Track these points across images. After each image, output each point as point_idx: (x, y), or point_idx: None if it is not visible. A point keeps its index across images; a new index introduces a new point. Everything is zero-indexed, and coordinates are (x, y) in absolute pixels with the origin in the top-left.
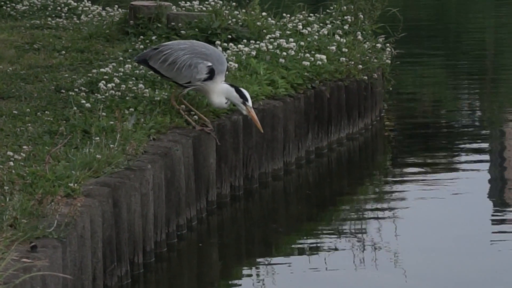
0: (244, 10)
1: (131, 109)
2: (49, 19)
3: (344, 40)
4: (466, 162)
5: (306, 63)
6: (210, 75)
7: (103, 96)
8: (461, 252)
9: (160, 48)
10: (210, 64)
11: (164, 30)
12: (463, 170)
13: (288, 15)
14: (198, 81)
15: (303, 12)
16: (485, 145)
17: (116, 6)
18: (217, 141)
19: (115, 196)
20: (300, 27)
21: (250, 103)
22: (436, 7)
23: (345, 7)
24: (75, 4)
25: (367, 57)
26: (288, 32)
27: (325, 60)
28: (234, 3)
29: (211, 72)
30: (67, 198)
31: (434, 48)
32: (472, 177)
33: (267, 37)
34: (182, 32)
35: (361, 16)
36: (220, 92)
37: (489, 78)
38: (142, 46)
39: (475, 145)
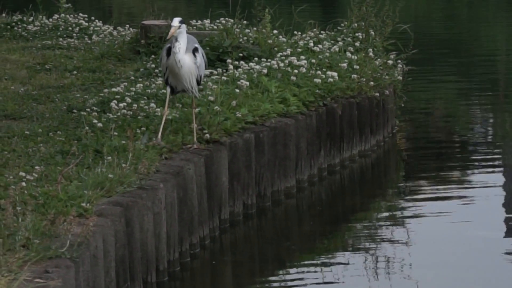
0: (255, 28)
1: (143, 128)
2: (61, 39)
3: (356, 57)
4: (479, 178)
5: (318, 80)
6: (168, 55)
7: (115, 116)
8: (475, 268)
9: None
10: (167, 45)
11: None
12: (477, 186)
13: (299, 33)
14: (165, 67)
15: (314, 29)
16: (498, 161)
17: (127, 25)
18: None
19: (127, 216)
20: (311, 44)
21: (173, 22)
22: (447, 21)
23: (356, 24)
24: (86, 24)
25: (379, 74)
26: (299, 49)
27: (337, 77)
28: (245, 22)
29: (169, 51)
30: (79, 218)
31: (446, 64)
32: (485, 193)
33: (278, 54)
34: None
35: (372, 32)
36: (184, 53)
37: (501, 93)
38: (153, 66)
39: (488, 161)
